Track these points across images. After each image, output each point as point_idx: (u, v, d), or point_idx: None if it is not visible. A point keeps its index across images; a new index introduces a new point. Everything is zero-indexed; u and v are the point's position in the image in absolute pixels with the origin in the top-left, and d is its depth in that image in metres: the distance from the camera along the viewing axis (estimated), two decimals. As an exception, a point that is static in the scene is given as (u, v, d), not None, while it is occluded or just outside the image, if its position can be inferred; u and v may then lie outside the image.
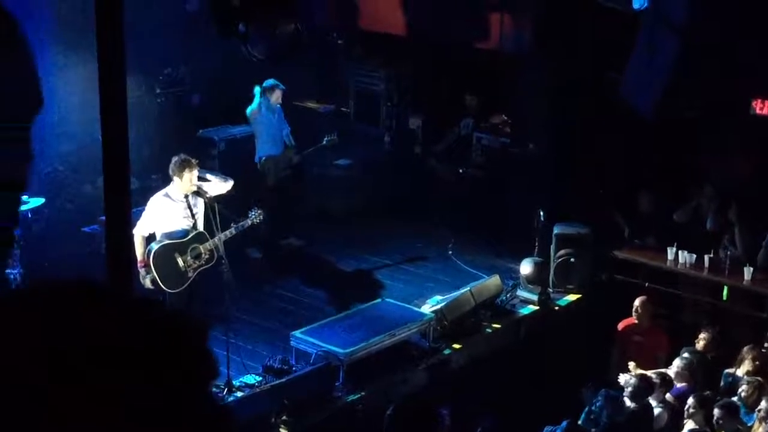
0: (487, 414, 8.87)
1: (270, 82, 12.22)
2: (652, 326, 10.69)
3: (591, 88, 12.27)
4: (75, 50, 11.71)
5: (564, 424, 8.35)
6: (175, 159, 9.48)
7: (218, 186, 9.70)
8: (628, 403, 8.90)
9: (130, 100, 13.92)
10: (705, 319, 10.93)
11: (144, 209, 9.48)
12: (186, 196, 9.46)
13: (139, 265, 9.21)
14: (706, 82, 10.21)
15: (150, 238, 9.43)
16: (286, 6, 6.84)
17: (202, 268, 9.48)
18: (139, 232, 9.27)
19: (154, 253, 9.27)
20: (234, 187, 9.87)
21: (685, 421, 8.67)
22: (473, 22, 13.58)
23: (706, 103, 10.62)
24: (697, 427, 8.53)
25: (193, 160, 9.49)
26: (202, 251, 9.47)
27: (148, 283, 9.24)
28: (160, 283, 9.24)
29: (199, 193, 9.47)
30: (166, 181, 9.70)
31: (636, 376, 9.18)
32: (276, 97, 12.26)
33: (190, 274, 9.41)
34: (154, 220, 9.39)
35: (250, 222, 9.89)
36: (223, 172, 12.78)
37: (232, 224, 9.75)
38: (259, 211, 9.94)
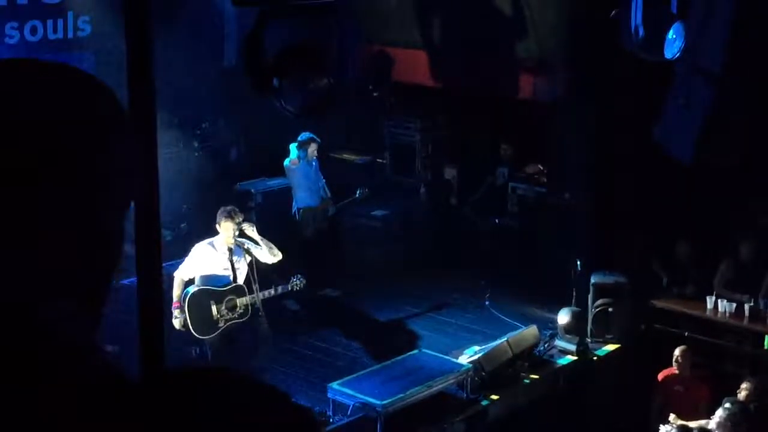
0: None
1: (305, 135, 12.36)
2: (693, 376, 10.56)
3: (627, 137, 12.26)
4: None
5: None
6: (222, 209, 9.65)
7: (265, 254, 9.79)
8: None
9: (168, 154, 14.19)
10: (747, 368, 10.79)
11: (181, 261, 9.65)
12: (230, 249, 9.57)
13: (173, 306, 9.36)
14: (744, 129, 10.18)
15: (189, 283, 9.56)
16: (319, 60, 6.94)
17: (233, 322, 9.55)
18: (180, 275, 9.49)
19: (190, 296, 9.41)
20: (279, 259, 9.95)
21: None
22: (507, 72, 13.65)
23: (743, 151, 10.58)
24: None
25: (238, 214, 9.62)
26: (238, 304, 9.55)
27: (177, 325, 9.36)
28: (190, 327, 9.34)
29: (242, 248, 9.58)
30: (195, 231, 9.84)
31: (677, 427, 9.07)
32: (312, 150, 12.40)
33: (221, 324, 9.49)
34: (196, 267, 9.53)
35: (289, 287, 10.04)
36: (261, 224, 12.89)
37: (272, 285, 9.88)
38: (302, 280, 10.05)
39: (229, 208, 9.68)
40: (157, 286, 1.86)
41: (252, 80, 5.95)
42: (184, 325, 9.36)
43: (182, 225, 11.70)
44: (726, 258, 11.74)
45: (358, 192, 12.81)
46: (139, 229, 1.82)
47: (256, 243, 9.77)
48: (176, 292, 9.43)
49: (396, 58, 14.87)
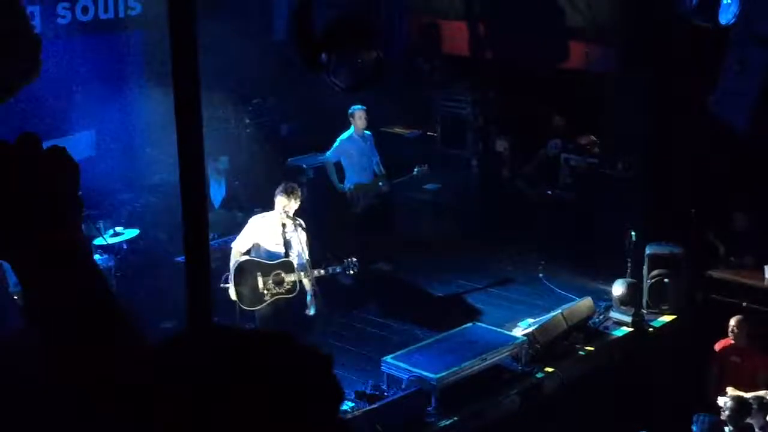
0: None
1: (351, 108, 12.32)
2: (750, 346, 10.43)
3: (681, 106, 12.09)
4: (166, 84, 11.96)
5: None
6: (282, 184, 9.70)
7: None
8: (727, 427, 8.69)
9: (219, 130, 14.22)
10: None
11: (237, 235, 9.77)
12: (283, 224, 9.60)
13: (227, 278, 9.52)
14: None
15: (246, 255, 9.67)
16: (368, 35, 6.90)
17: (280, 297, 9.58)
18: (236, 246, 9.67)
19: (238, 266, 9.52)
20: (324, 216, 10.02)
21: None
22: (558, 43, 13.51)
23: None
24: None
25: (295, 188, 9.64)
26: (285, 280, 9.59)
27: (232, 295, 9.47)
28: (234, 296, 9.44)
29: (299, 224, 9.61)
30: (249, 204, 9.92)
31: (733, 398, 8.97)
32: (359, 118, 12.31)
33: (266, 298, 9.55)
34: (251, 239, 9.62)
35: (340, 269, 10.05)
36: (312, 200, 12.94)
37: (324, 265, 9.92)
38: (354, 262, 10.06)
39: (288, 184, 9.71)
40: (204, 264, 1.85)
41: (301, 55, 5.94)
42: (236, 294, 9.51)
43: (235, 182, 11.85)
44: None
45: (415, 170, 12.74)
46: (186, 204, 1.81)
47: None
48: (232, 262, 9.57)
49: (445, 30, 14.78)
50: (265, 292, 9.54)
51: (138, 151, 12.65)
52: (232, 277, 9.51)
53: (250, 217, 10.05)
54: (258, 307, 9.55)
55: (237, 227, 10.36)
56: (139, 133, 12.38)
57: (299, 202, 9.64)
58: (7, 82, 1.92)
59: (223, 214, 12.08)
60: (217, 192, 12.43)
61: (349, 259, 10.12)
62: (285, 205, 9.53)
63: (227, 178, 12.51)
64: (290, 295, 9.62)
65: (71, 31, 11.76)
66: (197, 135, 1.80)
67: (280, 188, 9.63)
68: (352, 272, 10.22)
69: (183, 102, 1.78)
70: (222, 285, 9.51)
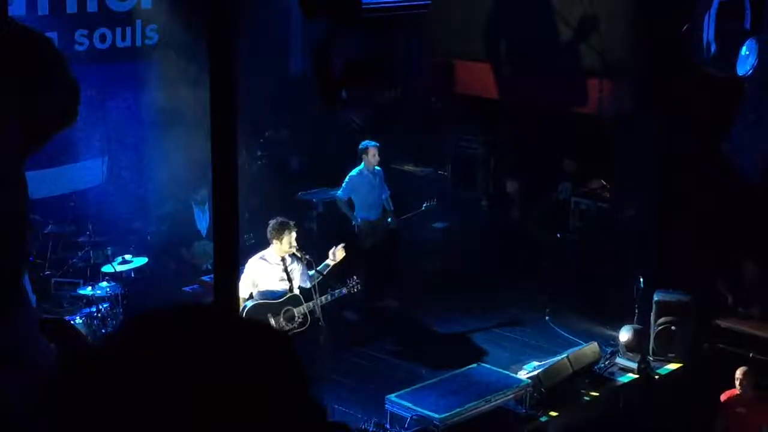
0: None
1: (364, 143, 12.34)
2: (757, 397, 10.35)
3: (693, 154, 12.10)
4: (180, 113, 11.99)
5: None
6: (272, 222, 9.64)
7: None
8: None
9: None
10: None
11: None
12: (283, 259, 9.58)
13: None
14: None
15: (249, 300, 9.58)
16: (387, 74, 6.92)
17: (294, 332, 9.55)
18: (239, 293, 9.47)
19: (247, 311, 9.42)
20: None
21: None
22: (571, 86, 13.55)
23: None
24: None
25: (291, 223, 9.64)
26: (296, 314, 9.56)
27: None
28: None
29: (297, 255, 9.59)
30: (260, 241, 9.85)
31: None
32: (372, 155, 12.33)
33: None
34: (251, 283, 9.54)
35: (346, 291, 10.01)
36: (321, 235, 12.93)
37: (329, 290, 9.85)
38: (356, 281, 10.03)
39: (281, 219, 9.66)
40: (234, 291, 1.86)
41: (321, 92, 5.96)
42: None
43: (246, 236, 11.80)
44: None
45: (424, 205, 12.77)
46: (219, 232, 1.82)
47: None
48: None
49: (459, 70, 14.84)
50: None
51: (149, 180, 12.68)
52: None
53: (241, 245, 9.92)
54: None
55: None
56: (155, 161, 12.41)
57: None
58: (43, 126, 1.93)
59: (210, 244, 12.04)
60: (201, 220, 12.37)
61: (352, 278, 10.07)
62: (290, 240, 9.53)
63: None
64: (303, 328, 9.58)
65: (89, 58, 11.83)
66: (233, 167, 1.81)
67: (279, 225, 9.55)
68: (355, 290, 10.12)
69: (222, 136, 1.79)
70: None
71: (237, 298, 2.00)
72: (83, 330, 9.86)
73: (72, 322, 9.81)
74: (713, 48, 8.89)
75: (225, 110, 1.83)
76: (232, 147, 1.89)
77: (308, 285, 9.61)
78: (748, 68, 9.11)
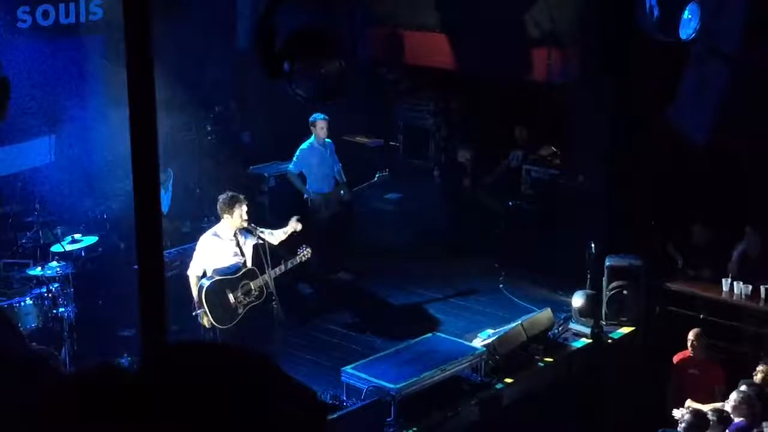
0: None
1: (313, 116, 12.30)
2: (708, 359, 10.50)
3: (642, 119, 12.18)
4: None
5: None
6: (222, 197, 9.58)
7: (279, 236, 9.79)
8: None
9: (181, 138, 14.10)
10: (763, 351, 10.72)
11: (184, 246, 9.66)
12: (235, 234, 9.54)
13: (196, 305, 9.35)
14: (758, 111, 10.09)
15: (203, 278, 9.52)
16: (331, 44, 6.88)
17: (252, 305, 9.57)
18: (192, 272, 9.45)
19: (206, 290, 9.37)
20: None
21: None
22: (521, 54, 13.56)
23: (756, 133, 10.49)
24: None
25: (242, 196, 9.59)
26: (253, 287, 9.56)
27: (205, 323, 9.35)
28: (212, 320, 9.32)
29: (248, 229, 9.55)
30: (216, 222, 9.79)
31: (691, 411, 9.02)
32: (320, 128, 12.30)
33: (240, 311, 9.50)
34: (205, 260, 9.49)
35: (298, 260, 9.98)
36: (273, 208, 12.88)
37: (282, 261, 9.82)
38: (307, 249, 10.01)
39: (231, 193, 9.59)
40: (158, 269, 1.83)
41: (263, 65, 5.91)
42: (208, 320, 9.35)
43: (197, 190, 11.64)
44: (741, 241, 11.67)
45: (377, 175, 12.74)
46: (140, 210, 1.79)
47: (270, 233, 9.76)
48: (194, 291, 9.41)
49: (408, 40, 14.79)
50: (237, 304, 9.49)
51: (98, 158, 12.53)
52: (203, 302, 9.35)
53: (199, 226, 9.92)
54: (234, 322, 9.48)
55: (184, 237, 10.25)
56: (102, 139, 12.25)
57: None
58: None
59: (168, 224, 11.92)
60: (162, 199, 12.25)
61: (302, 248, 10.04)
62: (242, 213, 9.48)
63: (174, 188, 12.25)
64: (261, 300, 9.59)
65: (32, 36, 11.65)
66: (152, 144, 1.77)
67: (230, 199, 9.49)
68: (306, 258, 10.07)
69: (138, 110, 1.76)
70: (195, 313, 9.38)
71: (162, 275, 1.96)
72: (34, 311, 9.76)
73: (22, 302, 9.72)
74: (656, 12, 8.93)
75: (142, 83, 1.80)
76: (151, 123, 1.85)
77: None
78: (691, 32, 9.17)
